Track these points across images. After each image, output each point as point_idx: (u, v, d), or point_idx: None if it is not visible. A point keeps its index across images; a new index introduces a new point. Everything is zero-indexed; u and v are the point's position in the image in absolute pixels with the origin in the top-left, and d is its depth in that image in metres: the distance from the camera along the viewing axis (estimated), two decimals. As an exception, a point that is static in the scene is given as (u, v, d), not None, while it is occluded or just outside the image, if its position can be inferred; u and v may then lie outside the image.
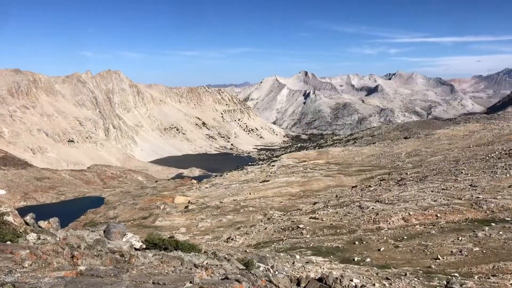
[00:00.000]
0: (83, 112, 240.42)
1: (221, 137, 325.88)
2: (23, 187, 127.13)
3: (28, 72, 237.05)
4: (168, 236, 35.79)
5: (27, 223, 13.49)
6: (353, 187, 65.57)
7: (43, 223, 14.91)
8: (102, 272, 6.07)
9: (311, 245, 32.02)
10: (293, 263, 23.19)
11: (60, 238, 12.41)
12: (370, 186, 61.71)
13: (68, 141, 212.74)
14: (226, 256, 16.00)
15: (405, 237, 30.37)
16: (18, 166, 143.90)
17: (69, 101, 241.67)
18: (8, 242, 10.67)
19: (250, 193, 73.38)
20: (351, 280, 16.51)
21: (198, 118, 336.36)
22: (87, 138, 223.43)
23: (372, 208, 41.29)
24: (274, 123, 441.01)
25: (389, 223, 35.61)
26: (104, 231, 14.98)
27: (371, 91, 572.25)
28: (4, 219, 11.91)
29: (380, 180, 66.09)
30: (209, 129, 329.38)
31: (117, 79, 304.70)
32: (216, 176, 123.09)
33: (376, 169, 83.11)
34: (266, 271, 14.78)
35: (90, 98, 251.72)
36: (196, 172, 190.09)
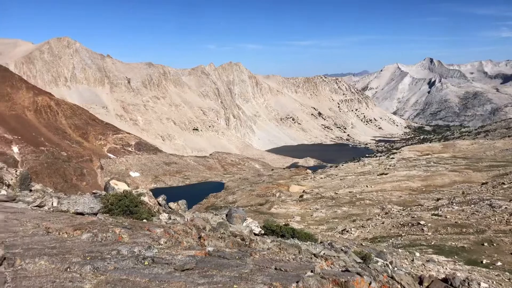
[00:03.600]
0: (206, 102, 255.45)
1: (337, 127, 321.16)
2: (154, 170, 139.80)
3: (159, 65, 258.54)
4: (283, 223, 36.57)
5: (159, 204, 14.83)
6: (483, 183, 59.94)
7: (172, 205, 16.26)
8: (228, 254, 6.44)
9: (432, 243, 30.14)
10: (412, 260, 22.09)
11: (187, 219, 13.42)
12: (503, 183, 55.78)
13: (193, 129, 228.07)
14: (343, 248, 15.84)
15: (546, 243, 27.01)
16: (150, 151, 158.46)
17: (194, 92, 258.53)
18: (144, 220, 11.85)
19: (366, 186, 71.37)
20: (479, 284, 15.23)
21: (314, 108, 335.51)
22: (209, 126, 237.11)
23: (506, 207, 37.35)
24: (394, 113, 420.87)
25: (526, 226, 31.94)
26: (226, 215, 15.83)
27: (507, 78, 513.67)
28: (141, 199, 13.24)
29: (516, 178, 59.39)
30: (325, 119, 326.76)
31: (238, 70, 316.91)
32: (331, 167, 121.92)
33: (511, 165, 74.87)
34: (385, 266, 14.32)
35: (213, 89, 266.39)
36: (311, 162, 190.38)
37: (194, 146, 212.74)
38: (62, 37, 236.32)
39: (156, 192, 16.67)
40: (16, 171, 18.00)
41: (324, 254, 10.73)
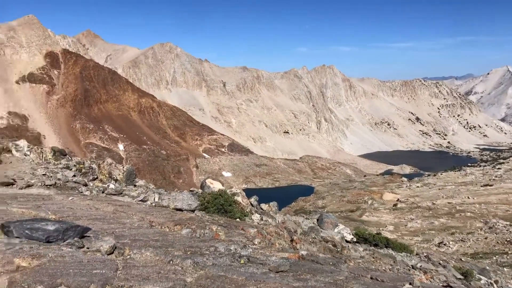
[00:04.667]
0: (298, 105, 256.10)
1: (437, 133, 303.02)
2: (245, 171, 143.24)
3: (253, 69, 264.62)
4: (375, 232, 35.34)
5: (252, 204, 15.12)
6: None
7: (264, 206, 16.48)
8: (322, 259, 6.37)
9: (546, 265, 27.20)
10: (522, 282, 20.11)
11: (279, 222, 13.54)
12: None
13: (284, 132, 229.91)
14: (441, 262, 14.88)
15: None
16: (242, 152, 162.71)
17: (286, 95, 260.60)
18: (238, 220, 12.17)
19: (468, 197, 66.43)
20: None
21: (412, 113, 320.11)
22: (300, 130, 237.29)
23: None
24: (502, 120, 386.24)
25: None
26: (317, 220, 15.68)
27: None
28: (235, 199, 13.62)
29: None
30: (423, 125, 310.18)
31: (331, 73, 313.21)
32: (429, 175, 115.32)
33: None
34: (489, 285, 13.18)
35: (305, 92, 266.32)
36: (407, 169, 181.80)
37: (284, 148, 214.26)
38: (165, 43, 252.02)
39: (246, 193, 17.05)
40: (123, 167, 19.50)
41: (421, 266, 10.16)
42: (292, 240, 9.18)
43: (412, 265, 8.81)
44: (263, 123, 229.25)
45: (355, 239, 15.07)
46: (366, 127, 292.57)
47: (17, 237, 5.57)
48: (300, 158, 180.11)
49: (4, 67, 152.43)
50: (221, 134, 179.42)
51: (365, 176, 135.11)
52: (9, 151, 18.77)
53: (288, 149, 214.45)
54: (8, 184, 12.61)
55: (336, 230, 14.88)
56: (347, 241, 14.24)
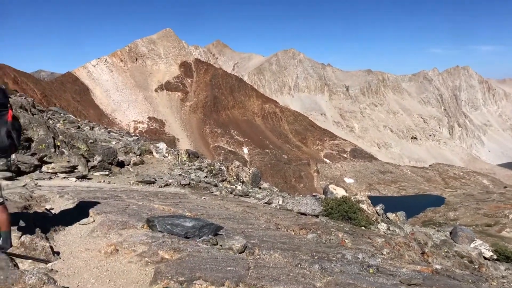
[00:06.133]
0: (427, 109, 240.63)
1: None
2: (368, 178, 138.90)
3: (378, 72, 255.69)
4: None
5: (377, 213, 14.59)
6: None
7: (391, 215, 15.78)
8: (459, 276, 5.87)
9: None
10: None
11: (407, 232, 12.84)
12: None
13: (411, 138, 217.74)
14: None
15: None
16: (365, 158, 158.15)
17: (414, 99, 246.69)
18: (363, 228, 11.84)
19: None
20: None
21: None
22: (430, 135, 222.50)
23: None
24: None
25: None
26: (450, 233, 14.54)
27: None
28: (359, 206, 13.27)
29: None
30: None
31: (465, 75, 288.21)
32: None
33: None
34: None
35: (436, 96, 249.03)
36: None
37: (412, 155, 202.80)
38: (288, 49, 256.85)
39: (371, 201, 16.44)
40: (249, 170, 20.29)
41: None
42: (423, 253, 8.63)
43: None
44: (388, 128, 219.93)
45: (495, 257, 13.62)
46: (507, 133, 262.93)
47: (160, 231, 6.13)
48: (430, 166, 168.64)
49: (145, 77, 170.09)
50: (343, 139, 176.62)
51: (505, 187, 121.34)
52: (151, 152, 20.81)
53: (416, 156, 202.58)
54: (149, 183, 13.97)
55: (472, 245, 13.60)
56: (485, 258, 12.95)
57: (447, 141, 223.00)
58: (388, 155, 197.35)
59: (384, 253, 6.83)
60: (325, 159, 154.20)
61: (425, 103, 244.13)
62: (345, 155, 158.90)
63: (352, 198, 13.76)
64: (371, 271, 5.41)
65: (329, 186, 16.75)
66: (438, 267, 6.32)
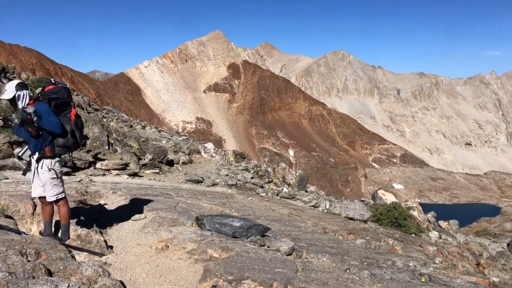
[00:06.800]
0: (483, 114, 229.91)
1: None
2: (418, 184, 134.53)
3: (431, 75, 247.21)
4: None
5: (429, 221, 14.10)
6: None
7: (443, 223, 15.22)
8: (519, 291, 5.55)
9: None
10: None
11: (461, 242, 12.32)
12: None
13: (465, 144, 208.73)
14: None
15: None
16: (415, 164, 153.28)
17: (469, 103, 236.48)
18: (413, 235, 11.47)
19: None
20: None
21: None
22: (485, 142, 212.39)
23: None
24: None
25: None
26: (507, 245, 13.80)
27: None
28: (410, 213, 12.88)
29: None
30: None
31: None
32: None
33: None
34: None
35: (493, 100, 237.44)
36: None
37: (465, 162, 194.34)
38: (338, 51, 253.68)
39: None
40: (296, 172, 20.20)
41: None
42: (478, 264, 8.24)
43: None
44: (441, 133, 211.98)
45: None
46: None
47: (208, 230, 6.21)
48: (485, 173, 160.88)
49: (195, 78, 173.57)
50: (393, 144, 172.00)
51: None
52: (199, 152, 21.18)
53: (469, 163, 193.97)
54: (197, 182, 14.21)
55: (531, 258, 12.83)
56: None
57: (504, 148, 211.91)
58: (440, 161, 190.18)
59: (437, 262, 6.57)
60: (374, 164, 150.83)
61: (481, 108, 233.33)
62: (394, 160, 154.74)
63: (402, 205, 13.38)
64: (423, 280, 5.22)
65: (378, 192, 16.39)
66: (495, 279, 6.00)
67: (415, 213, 13.18)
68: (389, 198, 15.58)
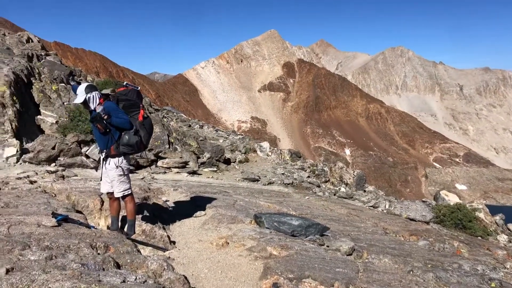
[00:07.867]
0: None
1: None
2: (483, 185, 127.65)
3: (498, 70, 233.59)
4: None
5: (496, 223, 13.33)
6: None
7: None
8: None
9: None
10: None
11: (533, 247, 11.54)
12: None
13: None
14: None
15: None
16: (480, 164, 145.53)
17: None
18: (479, 238, 10.90)
19: None
20: None
21: None
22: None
23: None
24: None
25: None
26: None
27: None
28: (476, 214, 12.25)
29: None
30: None
31: None
32: None
33: None
34: None
35: None
36: None
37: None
38: (396, 47, 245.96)
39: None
40: (353, 172, 19.83)
41: None
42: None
43: None
44: (509, 131, 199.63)
45: None
46: None
47: (267, 228, 6.25)
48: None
49: (250, 78, 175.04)
50: (455, 143, 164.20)
51: None
52: (255, 151, 21.34)
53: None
54: (254, 180, 14.33)
55: None
56: None
57: None
58: (508, 161, 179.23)
59: (508, 267, 6.21)
60: (435, 163, 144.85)
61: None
62: (457, 160, 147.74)
63: (467, 206, 12.77)
64: (493, 285, 4.96)
65: (441, 192, 15.76)
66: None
67: (481, 215, 12.52)
68: (452, 199, 14.93)
